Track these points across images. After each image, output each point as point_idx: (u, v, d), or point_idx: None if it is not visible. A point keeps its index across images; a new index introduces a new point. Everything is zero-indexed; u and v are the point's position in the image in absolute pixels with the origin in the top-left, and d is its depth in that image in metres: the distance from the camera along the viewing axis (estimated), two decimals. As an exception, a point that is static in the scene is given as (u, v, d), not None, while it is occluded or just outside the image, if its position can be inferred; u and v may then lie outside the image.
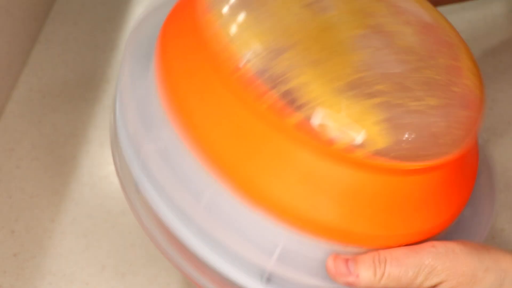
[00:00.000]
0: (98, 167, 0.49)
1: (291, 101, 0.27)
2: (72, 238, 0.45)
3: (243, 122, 0.28)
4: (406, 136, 0.27)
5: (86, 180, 0.48)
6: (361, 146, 0.27)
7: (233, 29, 0.28)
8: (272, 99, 0.27)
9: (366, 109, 0.27)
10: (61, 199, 0.47)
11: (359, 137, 0.26)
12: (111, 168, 0.48)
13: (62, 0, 0.60)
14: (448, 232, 0.32)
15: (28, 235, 0.45)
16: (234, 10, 0.29)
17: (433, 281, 0.27)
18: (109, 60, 0.55)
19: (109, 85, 0.53)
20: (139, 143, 0.30)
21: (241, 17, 0.29)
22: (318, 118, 0.26)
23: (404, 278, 0.27)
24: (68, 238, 0.45)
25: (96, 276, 0.43)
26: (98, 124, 0.51)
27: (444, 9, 0.33)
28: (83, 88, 0.53)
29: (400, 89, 0.28)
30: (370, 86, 0.28)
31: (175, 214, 0.29)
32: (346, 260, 0.28)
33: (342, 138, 0.26)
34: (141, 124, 0.30)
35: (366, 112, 0.27)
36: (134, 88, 0.31)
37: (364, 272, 0.27)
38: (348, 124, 0.27)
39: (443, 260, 0.27)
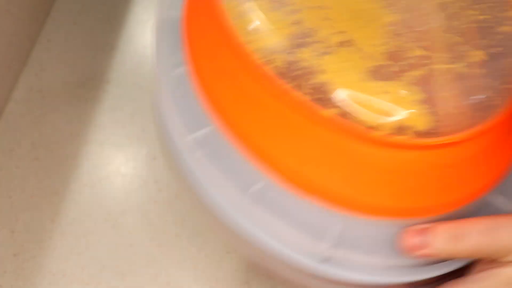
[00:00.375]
0: (98, 167, 0.49)
1: (325, 92, 0.25)
2: (72, 238, 0.45)
3: (282, 118, 0.27)
4: (450, 111, 0.25)
5: (86, 180, 0.48)
6: (402, 130, 0.25)
7: (255, 18, 0.27)
8: (307, 91, 0.26)
9: (404, 87, 0.25)
10: (61, 199, 0.47)
11: (398, 122, 0.25)
12: (111, 168, 0.48)
13: (62, 0, 0.59)
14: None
15: (28, 235, 0.45)
16: None
17: None
18: (109, 60, 0.55)
19: (109, 85, 0.53)
20: (181, 139, 0.30)
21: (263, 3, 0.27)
22: (354, 108, 0.25)
23: (486, 251, 0.25)
24: (68, 238, 0.45)
25: (96, 276, 0.43)
26: (98, 124, 0.51)
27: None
28: (83, 88, 0.53)
29: (441, 48, 0.26)
30: (406, 55, 0.26)
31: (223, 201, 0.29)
32: (422, 231, 0.26)
33: (381, 125, 0.25)
34: (183, 121, 0.30)
35: (403, 92, 0.25)
36: (172, 91, 0.31)
37: (442, 243, 0.25)
38: (385, 109, 0.25)
39: None
